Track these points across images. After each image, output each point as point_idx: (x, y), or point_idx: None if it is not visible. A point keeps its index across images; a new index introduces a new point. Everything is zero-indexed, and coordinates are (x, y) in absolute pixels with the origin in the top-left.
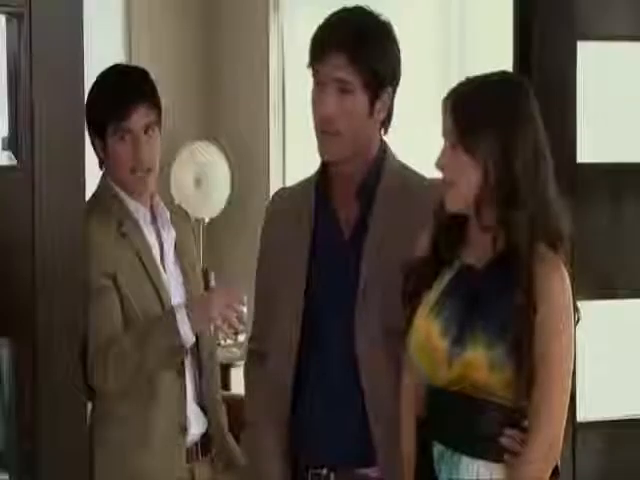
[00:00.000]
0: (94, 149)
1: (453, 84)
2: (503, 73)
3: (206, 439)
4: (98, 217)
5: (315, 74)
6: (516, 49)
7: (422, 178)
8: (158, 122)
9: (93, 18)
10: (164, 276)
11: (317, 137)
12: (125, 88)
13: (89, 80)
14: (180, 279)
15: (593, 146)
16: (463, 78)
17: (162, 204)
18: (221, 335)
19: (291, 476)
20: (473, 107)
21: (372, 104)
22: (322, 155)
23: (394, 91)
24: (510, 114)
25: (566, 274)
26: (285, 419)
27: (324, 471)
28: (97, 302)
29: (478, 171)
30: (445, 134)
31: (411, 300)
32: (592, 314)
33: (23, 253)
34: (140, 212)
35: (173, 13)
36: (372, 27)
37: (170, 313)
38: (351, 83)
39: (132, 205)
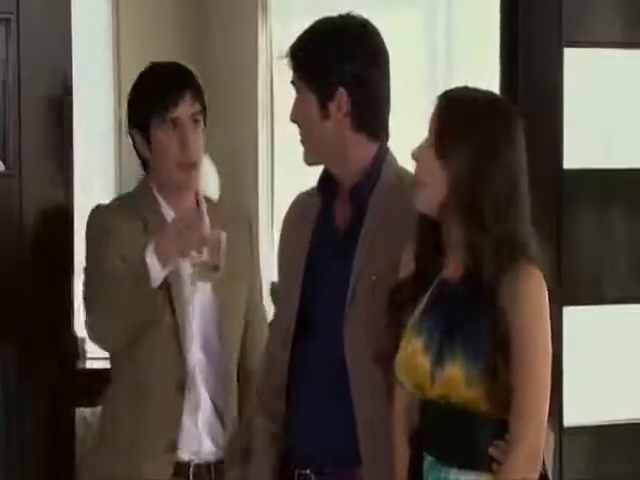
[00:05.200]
0: (136, 149)
1: (439, 92)
2: (497, 96)
3: (221, 462)
4: (126, 211)
5: None
6: (502, 56)
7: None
8: (203, 114)
9: (81, 24)
10: (185, 285)
11: None
12: (169, 77)
13: (77, 85)
14: (209, 289)
15: (579, 152)
16: (449, 86)
17: (205, 208)
18: (198, 270)
19: (280, 473)
20: (457, 117)
21: (323, 105)
22: (303, 160)
23: (360, 92)
24: (489, 143)
25: (543, 284)
26: (279, 416)
27: (307, 471)
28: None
29: (445, 178)
30: (428, 131)
31: (396, 321)
32: (578, 319)
33: (10, 258)
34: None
35: (163, 24)
36: (319, 31)
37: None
38: (298, 84)
39: (166, 211)
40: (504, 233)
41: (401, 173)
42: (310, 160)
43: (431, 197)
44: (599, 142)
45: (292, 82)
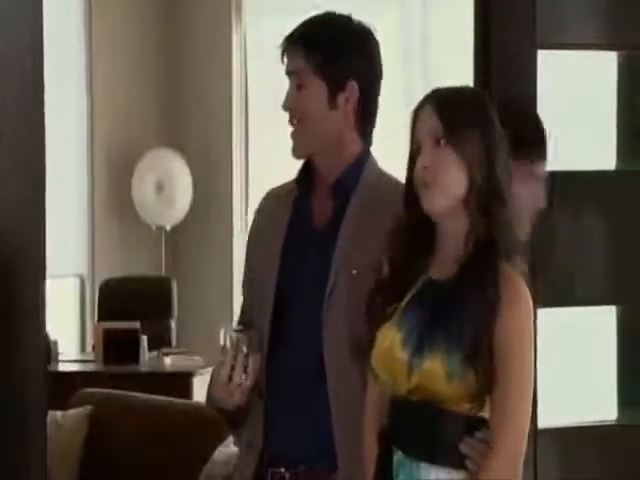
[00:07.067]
0: None
1: (416, 96)
2: (476, 89)
3: None
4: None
5: (286, 74)
6: (476, 58)
7: (400, 184)
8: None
9: (54, 24)
10: None
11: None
12: None
13: (48, 81)
14: None
15: (554, 155)
16: (425, 89)
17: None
18: None
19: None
20: (459, 106)
21: (333, 95)
22: (293, 155)
23: (366, 90)
24: (489, 118)
25: (529, 295)
26: (257, 414)
27: (282, 470)
28: None
29: (463, 171)
30: (429, 133)
31: (375, 317)
32: (552, 321)
33: None
34: None
35: (135, 23)
36: (329, 21)
37: None
38: (305, 71)
39: None
40: (506, 218)
41: (382, 174)
42: (304, 151)
43: (448, 194)
44: (574, 145)
45: (290, 72)
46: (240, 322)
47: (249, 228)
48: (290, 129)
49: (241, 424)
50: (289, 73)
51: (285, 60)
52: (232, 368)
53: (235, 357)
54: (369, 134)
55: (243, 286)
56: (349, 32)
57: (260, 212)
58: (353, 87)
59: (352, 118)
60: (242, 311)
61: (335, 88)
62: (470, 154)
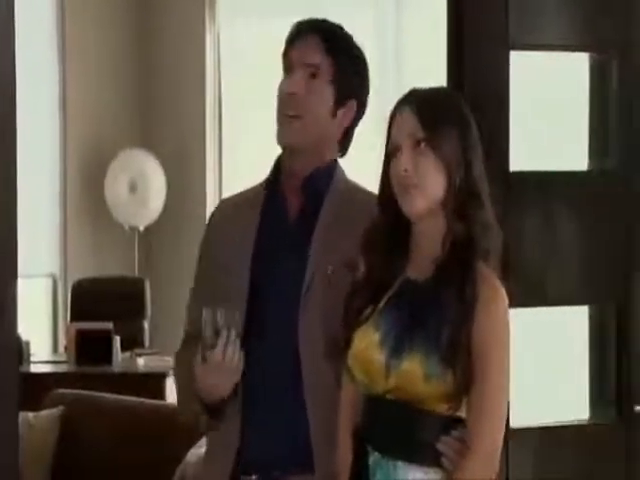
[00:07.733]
0: None
1: (389, 97)
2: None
3: None
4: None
5: (286, 61)
6: (449, 60)
7: (369, 193)
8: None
9: (26, 25)
10: None
11: (278, 122)
12: None
13: (20, 80)
14: None
15: (526, 155)
16: (399, 90)
17: None
18: None
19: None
20: (438, 107)
21: (336, 106)
22: (280, 140)
23: (357, 111)
24: (466, 119)
25: (505, 294)
26: (234, 411)
27: (253, 477)
28: None
29: (442, 173)
30: (409, 134)
31: (351, 321)
32: (524, 321)
33: None
34: None
35: (108, 22)
36: (345, 34)
37: None
38: (320, 68)
39: None
40: (483, 219)
41: (349, 182)
42: (292, 141)
43: (429, 196)
44: (546, 145)
45: (305, 64)
46: (190, 332)
47: (202, 239)
48: (282, 117)
49: (222, 418)
50: (299, 64)
51: (294, 47)
52: (225, 345)
53: (228, 332)
54: (347, 147)
55: (196, 291)
56: (359, 52)
57: (217, 221)
58: (352, 106)
59: (341, 131)
60: (192, 320)
61: (339, 101)
62: (449, 155)
